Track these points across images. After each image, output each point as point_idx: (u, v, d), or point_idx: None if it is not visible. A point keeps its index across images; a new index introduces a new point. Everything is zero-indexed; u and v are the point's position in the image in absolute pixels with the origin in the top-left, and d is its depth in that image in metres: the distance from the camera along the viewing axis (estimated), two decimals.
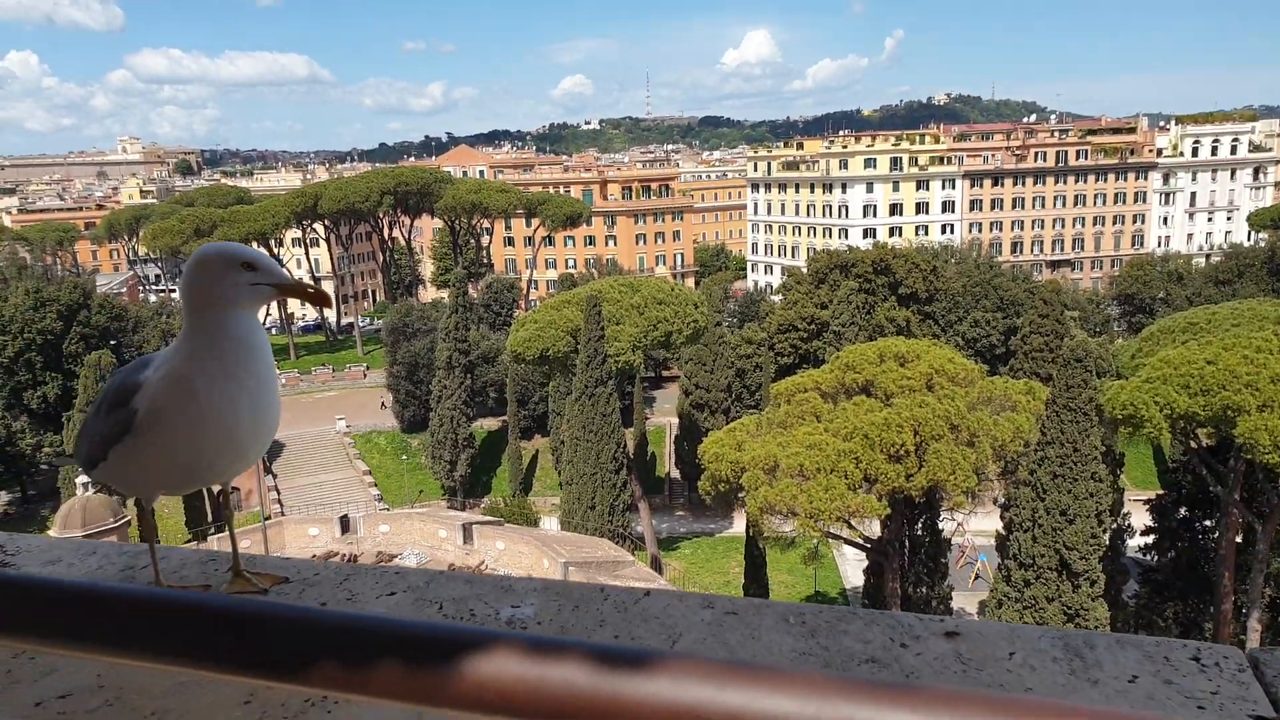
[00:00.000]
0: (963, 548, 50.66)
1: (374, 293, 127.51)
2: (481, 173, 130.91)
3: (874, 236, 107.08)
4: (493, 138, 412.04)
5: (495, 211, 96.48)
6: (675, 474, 65.49)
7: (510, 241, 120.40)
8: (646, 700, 0.76)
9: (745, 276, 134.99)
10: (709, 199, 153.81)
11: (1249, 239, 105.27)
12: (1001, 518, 39.92)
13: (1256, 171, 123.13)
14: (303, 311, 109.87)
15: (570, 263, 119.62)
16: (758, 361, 64.87)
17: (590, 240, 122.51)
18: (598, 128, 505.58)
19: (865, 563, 43.39)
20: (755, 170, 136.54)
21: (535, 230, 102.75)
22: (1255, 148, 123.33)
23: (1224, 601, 37.32)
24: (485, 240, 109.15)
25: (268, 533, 37.75)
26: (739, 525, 51.61)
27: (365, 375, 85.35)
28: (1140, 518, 43.50)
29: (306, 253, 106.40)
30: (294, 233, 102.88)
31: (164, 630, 0.91)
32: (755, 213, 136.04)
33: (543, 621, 2.02)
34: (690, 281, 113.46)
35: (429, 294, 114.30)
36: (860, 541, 39.38)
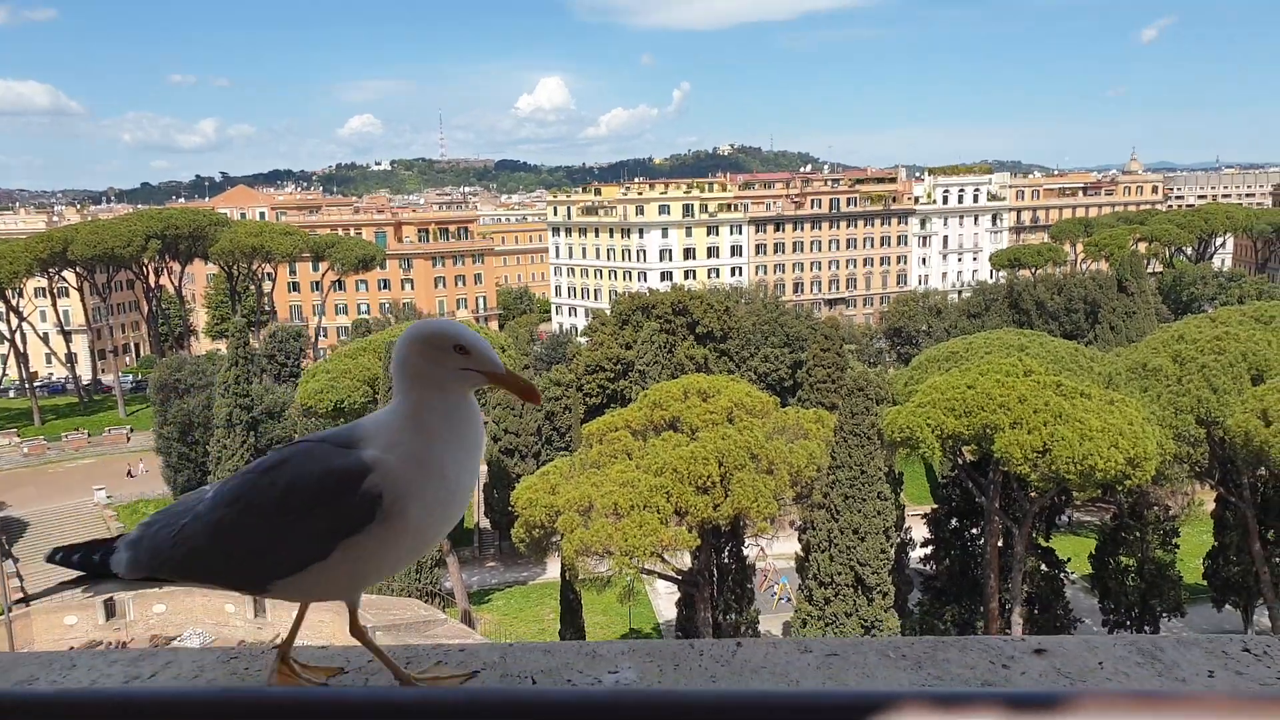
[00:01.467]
0: (765, 572, 53.22)
1: (137, 346, 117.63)
2: (262, 214, 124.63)
3: (671, 279, 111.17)
4: (274, 178, 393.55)
5: (279, 256, 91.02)
6: (485, 524, 64.63)
7: (295, 287, 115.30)
8: None
9: (550, 319, 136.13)
10: (509, 242, 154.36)
11: (992, 277, 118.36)
12: (799, 540, 42.40)
13: (994, 218, 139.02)
14: (49, 369, 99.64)
15: (363, 308, 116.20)
16: (567, 403, 65.71)
17: (385, 284, 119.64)
18: (389, 169, 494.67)
19: (677, 595, 44.60)
20: (555, 215, 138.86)
21: (324, 275, 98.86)
22: (992, 197, 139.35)
23: (991, 600, 41.57)
24: (267, 286, 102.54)
25: (12, 626, 33.89)
26: (553, 571, 51.64)
27: (129, 439, 78.14)
28: (919, 531, 47.72)
29: (54, 304, 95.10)
30: (38, 282, 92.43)
31: None
32: (557, 256, 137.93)
33: (648, 682, 1.94)
34: (494, 324, 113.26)
35: (203, 345, 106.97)
36: (673, 574, 40.45)
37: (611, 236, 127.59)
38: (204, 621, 35.77)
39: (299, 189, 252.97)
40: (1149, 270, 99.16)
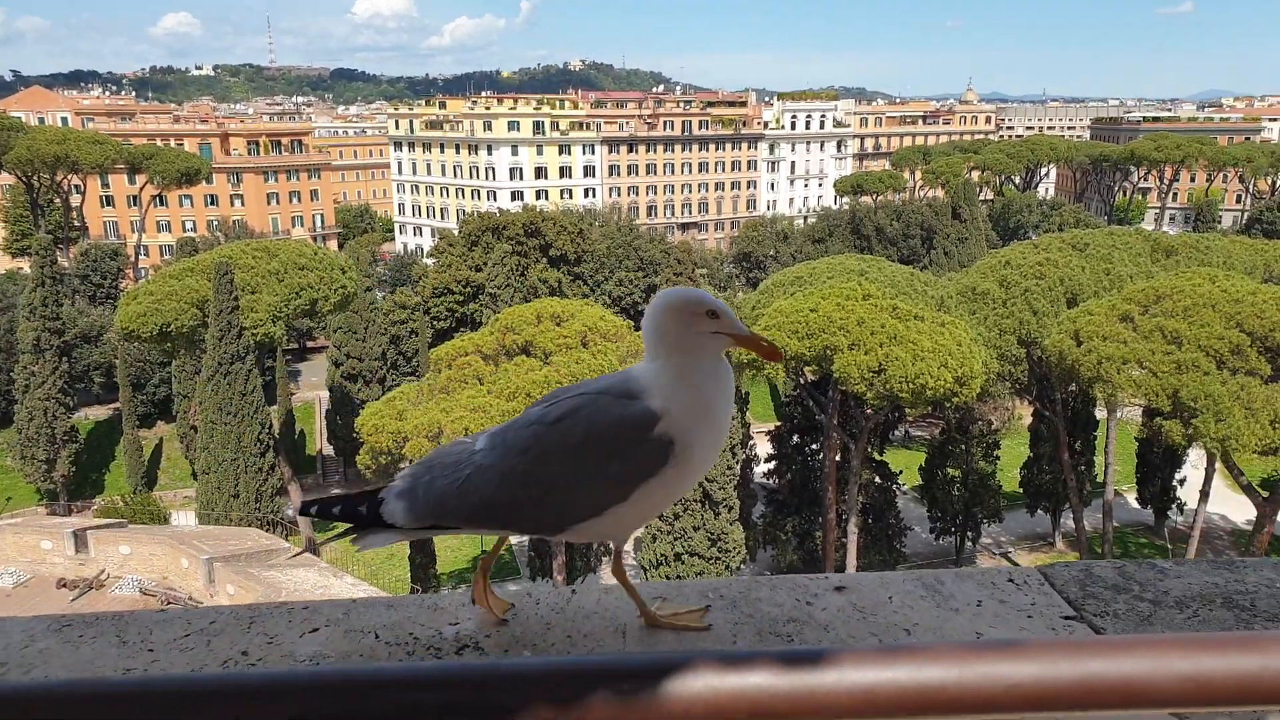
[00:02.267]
0: None
1: None
2: (65, 120, 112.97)
3: (522, 199, 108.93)
4: (76, 79, 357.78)
5: (88, 166, 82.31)
6: (329, 451, 62.65)
7: (109, 201, 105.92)
8: (830, 690, 0.86)
9: (394, 239, 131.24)
10: (348, 157, 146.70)
11: (836, 202, 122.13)
12: None
13: (840, 144, 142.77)
14: None
15: (189, 225, 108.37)
16: (413, 327, 63.81)
17: (212, 200, 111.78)
18: (212, 75, 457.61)
19: None
20: (397, 129, 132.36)
21: (142, 189, 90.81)
22: (838, 124, 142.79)
23: (829, 511, 43.84)
24: (76, 200, 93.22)
25: None
26: None
27: None
28: (764, 447, 49.51)
29: None
30: None
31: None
32: (400, 172, 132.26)
33: (485, 633, 2.05)
34: (333, 244, 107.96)
35: (1, 264, 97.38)
36: None
37: (458, 153, 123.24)
38: (17, 560, 33.11)
39: (107, 93, 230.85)
40: (981, 198, 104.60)
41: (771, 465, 48.04)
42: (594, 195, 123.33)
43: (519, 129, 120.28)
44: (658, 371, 2.03)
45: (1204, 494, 41.11)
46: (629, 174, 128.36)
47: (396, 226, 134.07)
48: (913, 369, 33.33)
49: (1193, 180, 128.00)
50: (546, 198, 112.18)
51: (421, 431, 34.99)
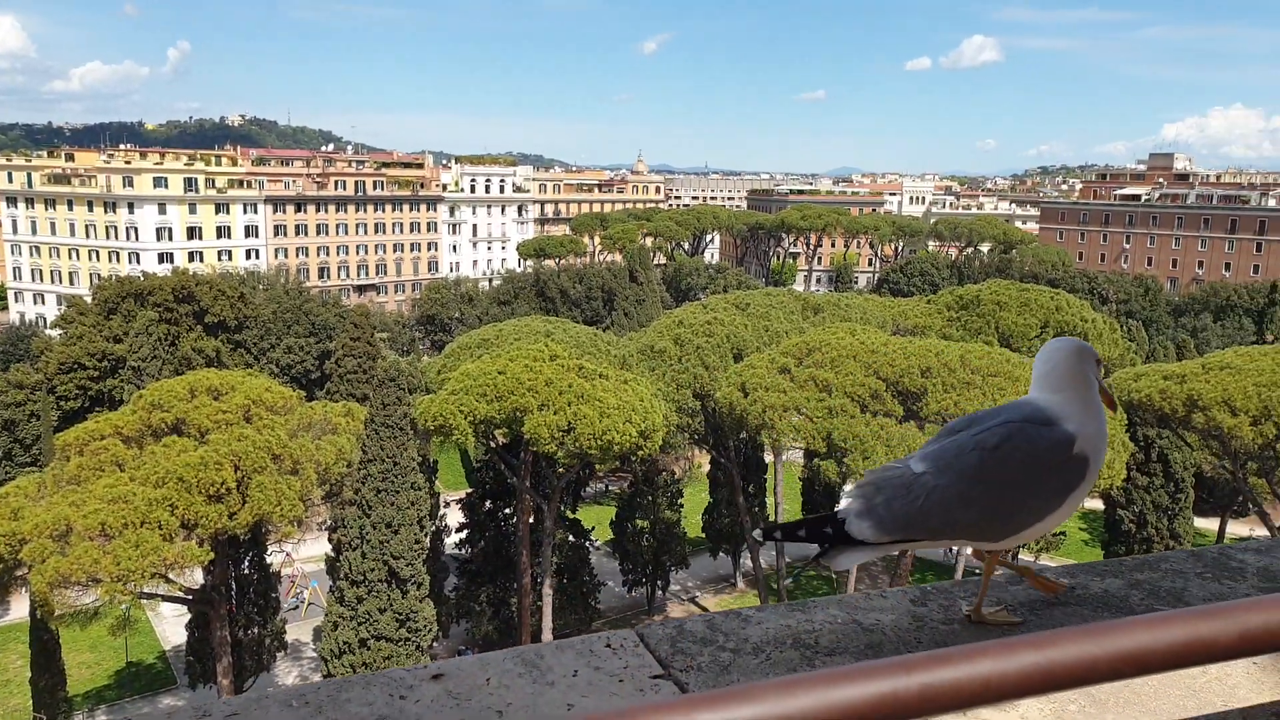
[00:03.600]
0: (293, 578, 49.62)
1: None
2: None
3: (172, 261, 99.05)
4: None
5: None
6: None
7: None
8: None
9: (7, 308, 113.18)
10: None
11: (520, 265, 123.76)
12: (330, 540, 39.98)
13: (520, 209, 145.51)
14: None
15: None
16: (33, 409, 54.55)
17: None
18: None
19: (188, 616, 39.54)
20: (11, 181, 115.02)
21: None
22: (517, 188, 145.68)
23: (524, 576, 42.91)
24: None
25: None
26: (20, 610, 42.96)
27: None
28: (455, 516, 47.69)
29: None
30: None
31: None
32: (15, 231, 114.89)
33: None
34: None
35: None
36: (181, 595, 35.73)
37: (91, 210, 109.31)
38: None
39: None
40: (655, 262, 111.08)
41: (464, 534, 46.34)
42: (258, 257, 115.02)
43: (167, 186, 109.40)
44: (1063, 402, 2.37)
45: None
46: (298, 234, 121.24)
47: (10, 293, 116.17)
48: (600, 426, 33.69)
49: (833, 246, 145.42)
50: (201, 260, 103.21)
51: (45, 531, 29.71)
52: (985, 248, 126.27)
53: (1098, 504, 53.38)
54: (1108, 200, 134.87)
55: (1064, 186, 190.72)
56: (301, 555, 48.77)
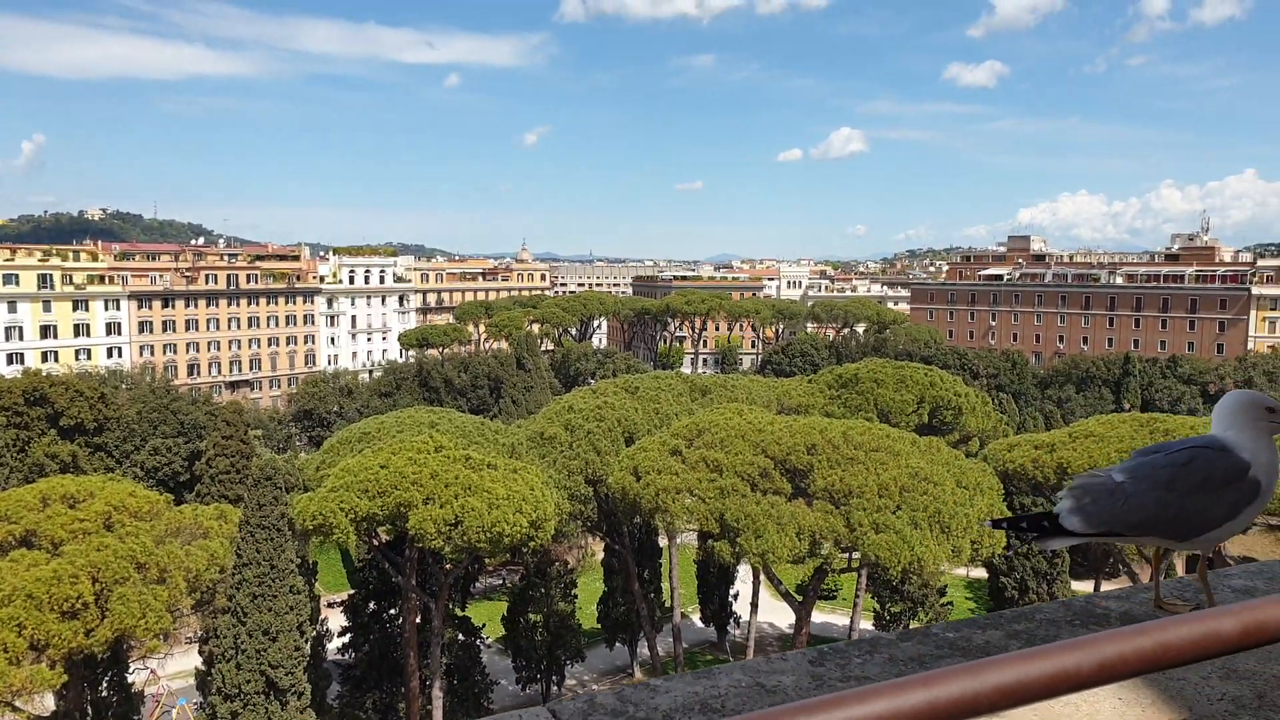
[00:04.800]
0: (157, 697, 46.03)
1: None
2: None
3: (23, 362, 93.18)
4: None
5: None
6: None
7: None
8: None
9: None
10: None
11: (402, 356, 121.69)
12: (200, 652, 37.41)
13: (402, 299, 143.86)
14: None
15: None
16: None
17: None
18: None
19: None
20: None
21: None
22: (398, 278, 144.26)
23: (412, 679, 40.96)
24: None
25: None
26: None
27: None
28: (336, 621, 45.39)
29: None
30: None
31: None
32: None
33: None
34: None
35: None
36: None
37: None
38: None
39: None
40: (542, 348, 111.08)
41: (347, 638, 44.09)
42: (121, 355, 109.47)
43: (18, 283, 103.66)
44: (1237, 437, 2.88)
45: (754, 605, 45.51)
46: (165, 331, 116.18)
47: None
48: (489, 517, 32.94)
49: (717, 329, 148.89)
50: (57, 359, 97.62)
51: None
52: (861, 328, 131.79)
53: (981, 573, 55.18)
54: (973, 280, 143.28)
55: (931, 268, 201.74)
56: (168, 671, 45.41)
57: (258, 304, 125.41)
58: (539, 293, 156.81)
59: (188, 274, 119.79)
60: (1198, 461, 2.86)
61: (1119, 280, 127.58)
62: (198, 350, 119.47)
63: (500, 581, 61.64)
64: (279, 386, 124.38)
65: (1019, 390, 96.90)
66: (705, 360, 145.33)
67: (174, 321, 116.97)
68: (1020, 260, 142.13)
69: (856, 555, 35.41)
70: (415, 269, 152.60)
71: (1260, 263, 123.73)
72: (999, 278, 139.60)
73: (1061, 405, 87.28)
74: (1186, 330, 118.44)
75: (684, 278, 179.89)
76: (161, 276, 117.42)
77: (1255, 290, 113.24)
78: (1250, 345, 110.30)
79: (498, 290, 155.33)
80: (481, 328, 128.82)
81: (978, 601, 58.80)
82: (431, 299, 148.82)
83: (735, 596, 53.15)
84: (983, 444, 50.01)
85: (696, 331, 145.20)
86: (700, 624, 55.13)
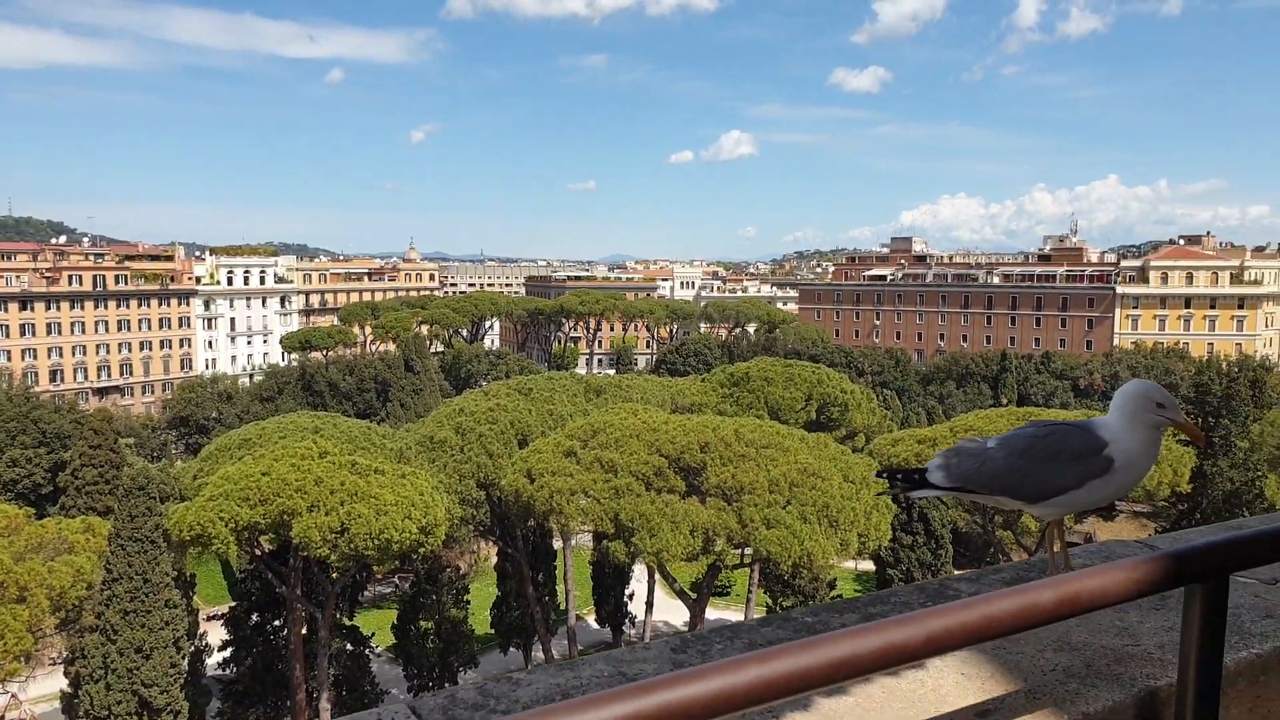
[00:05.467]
0: None
1: None
2: None
3: None
4: None
5: None
6: None
7: None
8: None
9: None
10: None
11: (284, 359, 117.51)
12: (66, 674, 35.35)
13: (284, 300, 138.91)
14: None
15: None
16: None
17: None
18: None
19: None
20: None
21: None
22: (279, 279, 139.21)
23: (298, 692, 39.64)
24: None
25: None
26: None
27: None
28: (217, 635, 43.54)
29: None
30: None
31: None
32: None
33: None
34: None
35: None
36: None
37: None
38: None
39: None
40: (432, 350, 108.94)
41: (228, 653, 42.32)
42: None
43: None
44: (1114, 422, 3.06)
45: (649, 604, 45.78)
46: (23, 335, 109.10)
47: None
48: (377, 524, 32.16)
49: (612, 329, 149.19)
50: None
51: None
52: (752, 328, 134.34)
53: (869, 565, 56.98)
54: (858, 281, 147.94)
55: (819, 269, 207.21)
56: (30, 695, 42.70)
57: (128, 306, 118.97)
58: (428, 293, 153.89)
59: (48, 274, 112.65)
60: (1055, 434, 3.10)
61: (996, 280, 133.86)
62: (61, 355, 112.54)
63: (391, 589, 60.24)
64: (153, 392, 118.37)
65: (902, 387, 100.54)
66: (600, 360, 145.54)
67: (33, 325, 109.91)
68: (903, 261, 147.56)
69: (749, 551, 36.03)
70: (298, 269, 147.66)
71: (1123, 263, 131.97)
72: (882, 278, 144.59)
73: (943, 401, 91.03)
74: (1059, 327, 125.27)
75: (578, 278, 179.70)
76: (19, 277, 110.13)
77: (1119, 289, 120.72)
78: (1116, 341, 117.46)
79: (384, 291, 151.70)
80: (368, 329, 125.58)
81: (866, 593, 60.69)
82: (315, 300, 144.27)
83: (631, 596, 53.36)
84: (868, 439, 51.68)
85: (591, 332, 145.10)
86: (596, 625, 55.13)
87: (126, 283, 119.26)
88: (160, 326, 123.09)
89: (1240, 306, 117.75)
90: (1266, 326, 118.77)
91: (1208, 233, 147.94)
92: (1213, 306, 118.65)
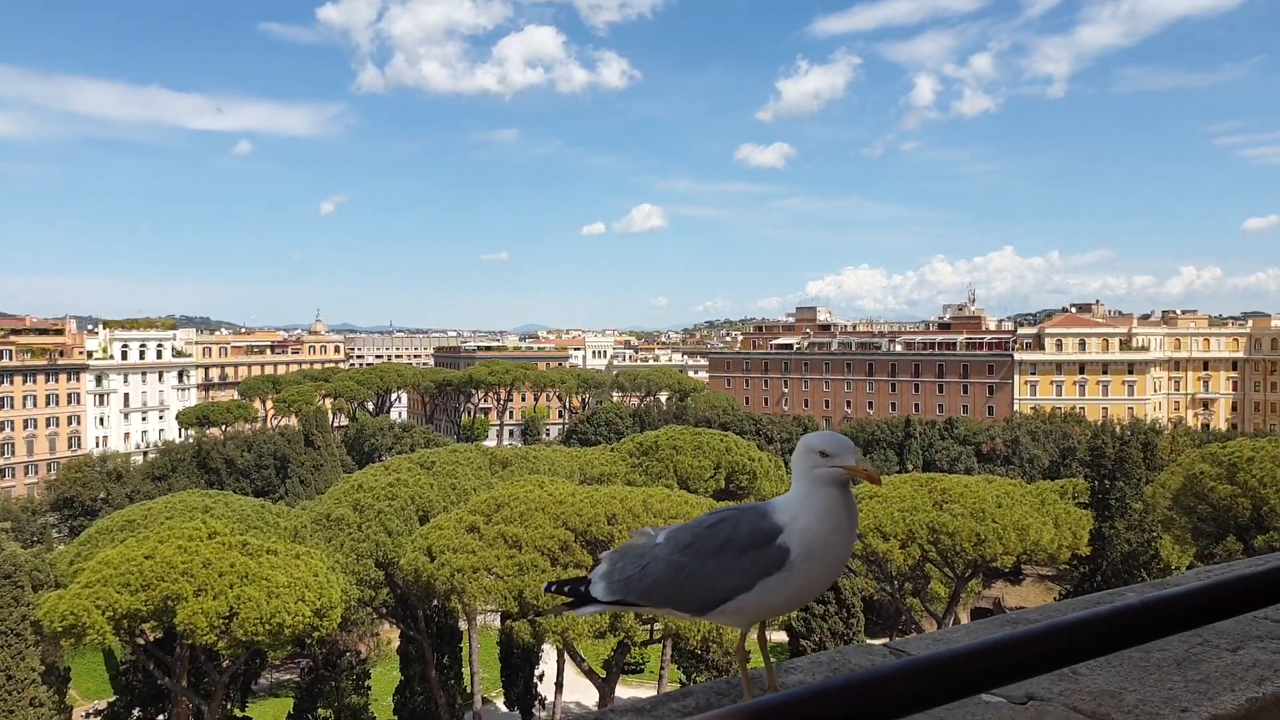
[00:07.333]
0: None
1: None
2: None
3: None
4: None
5: None
6: None
7: None
8: None
9: None
10: None
11: (180, 435, 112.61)
12: None
13: (181, 374, 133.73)
14: None
15: None
16: None
17: None
18: None
19: None
20: None
21: None
22: (178, 353, 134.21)
23: None
24: None
25: None
26: None
27: None
28: None
29: None
30: None
31: None
32: None
33: None
34: None
35: None
36: None
37: None
38: None
39: None
40: (336, 424, 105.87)
41: None
42: None
43: None
44: (792, 494, 2.51)
45: (559, 685, 44.44)
46: None
47: None
48: (268, 608, 30.67)
49: (523, 399, 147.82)
50: None
51: None
52: (664, 396, 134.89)
53: (782, 636, 56.73)
54: (765, 350, 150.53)
55: (728, 338, 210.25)
56: None
57: (11, 382, 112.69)
58: (332, 366, 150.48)
59: None
60: (725, 523, 2.50)
61: (899, 348, 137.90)
62: None
63: (293, 675, 57.18)
64: (36, 473, 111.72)
65: None
66: (511, 431, 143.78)
67: None
68: (808, 330, 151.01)
69: (659, 626, 35.47)
70: (197, 342, 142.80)
71: (1020, 330, 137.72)
72: (789, 347, 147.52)
73: None
74: (961, 394, 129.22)
75: (489, 348, 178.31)
76: None
77: (1017, 356, 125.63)
78: (1016, 406, 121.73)
79: (288, 364, 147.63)
80: (269, 404, 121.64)
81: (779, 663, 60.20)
82: (215, 374, 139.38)
83: (541, 677, 51.76)
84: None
85: (502, 402, 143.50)
86: (505, 709, 53.18)
87: (11, 358, 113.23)
88: (47, 403, 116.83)
89: (1130, 372, 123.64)
90: (1155, 391, 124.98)
91: (1097, 301, 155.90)
92: (1105, 372, 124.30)
